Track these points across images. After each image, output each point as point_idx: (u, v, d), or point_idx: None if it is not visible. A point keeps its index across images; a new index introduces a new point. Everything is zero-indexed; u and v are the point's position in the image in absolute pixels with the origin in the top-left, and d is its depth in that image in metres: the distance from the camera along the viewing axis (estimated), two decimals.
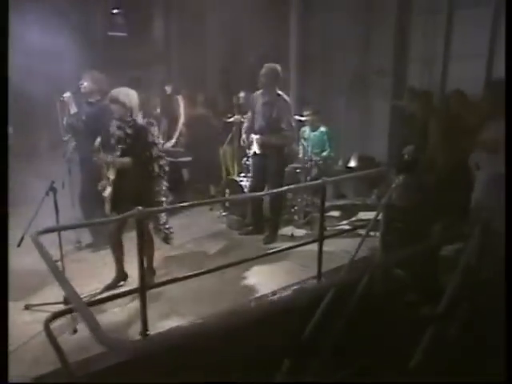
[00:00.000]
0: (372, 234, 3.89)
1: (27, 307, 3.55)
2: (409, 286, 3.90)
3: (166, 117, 5.97)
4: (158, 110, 6.24)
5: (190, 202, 3.73)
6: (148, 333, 2.73)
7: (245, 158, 5.40)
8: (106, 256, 4.22)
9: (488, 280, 3.27)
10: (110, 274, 3.93)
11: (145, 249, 3.64)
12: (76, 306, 1.42)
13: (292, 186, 3.88)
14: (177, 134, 5.97)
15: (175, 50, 7.29)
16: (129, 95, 3.49)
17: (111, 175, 3.50)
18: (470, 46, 5.51)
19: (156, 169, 3.47)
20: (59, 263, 4.06)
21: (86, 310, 1.38)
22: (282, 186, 4.68)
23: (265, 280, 3.96)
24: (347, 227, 5.41)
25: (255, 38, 6.92)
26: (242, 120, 5.60)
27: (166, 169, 3.55)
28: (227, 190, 5.50)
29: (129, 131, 3.44)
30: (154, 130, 3.49)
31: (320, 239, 3.63)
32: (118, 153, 3.44)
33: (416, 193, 3.86)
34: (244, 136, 4.93)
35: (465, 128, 3.68)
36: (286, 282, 3.79)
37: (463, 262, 3.00)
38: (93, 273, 4.10)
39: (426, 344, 2.76)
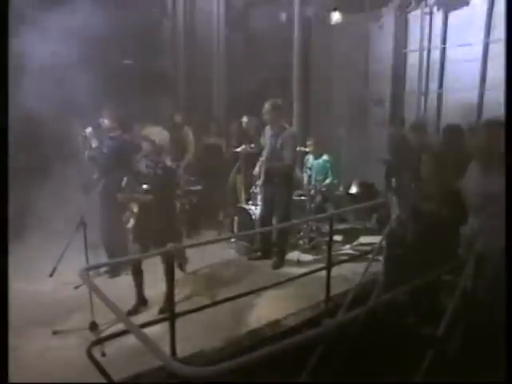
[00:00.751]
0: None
1: (55, 332, 3.76)
2: (409, 308, 4.15)
3: (175, 146, 6.22)
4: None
5: (217, 238, 3.99)
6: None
7: (253, 187, 5.70)
8: (123, 282, 4.48)
9: (483, 301, 3.56)
10: (128, 299, 4.16)
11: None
12: (137, 334, 1.68)
13: (304, 220, 4.11)
14: (184, 163, 6.21)
15: (183, 78, 7.61)
16: (160, 135, 3.79)
17: (134, 208, 3.78)
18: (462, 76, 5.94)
19: (177, 205, 3.75)
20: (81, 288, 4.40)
21: (146, 337, 1.64)
22: (289, 214, 5.04)
23: (276, 305, 4.18)
24: (350, 251, 5.72)
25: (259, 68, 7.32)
26: (250, 149, 5.93)
27: (187, 206, 3.84)
28: (236, 218, 5.77)
29: (158, 172, 3.72)
30: (181, 172, 3.78)
31: (328, 266, 3.90)
32: (143, 188, 3.71)
33: (414, 222, 4.14)
34: (257, 168, 5.22)
35: (459, 163, 3.99)
36: (296, 307, 4.04)
37: (461, 286, 3.29)
38: (112, 298, 4.32)
39: (427, 364, 3.01)
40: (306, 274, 4.04)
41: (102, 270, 4.92)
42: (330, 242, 3.92)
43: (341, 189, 6.85)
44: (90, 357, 2.46)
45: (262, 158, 5.19)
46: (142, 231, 3.80)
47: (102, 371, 2.34)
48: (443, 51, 6.18)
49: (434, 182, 4.08)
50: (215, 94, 7.85)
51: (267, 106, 4.98)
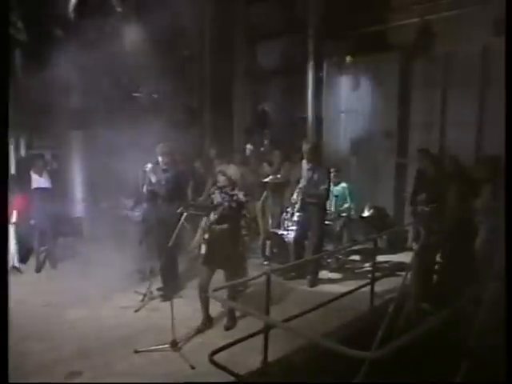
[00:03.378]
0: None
1: (136, 351, 4.13)
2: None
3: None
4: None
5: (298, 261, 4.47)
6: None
7: (284, 214, 6.26)
8: (177, 304, 4.89)
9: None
10: (188, 320, 4.58)
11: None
12: (298, 334, 2.21)
13: (349, 245, 4.60)
14: None
15: (207, 114, 8.25)
16: (234, 171, 4.37)
17: (206, 235, 4.29)
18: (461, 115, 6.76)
19: (245, 233, 4.29)
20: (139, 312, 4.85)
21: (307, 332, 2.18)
22: (322, 237, 5.72)
23: (325, 319, 4.65)
24: (371, 269, 6.35)
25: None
26: (277, 180, 6.55)
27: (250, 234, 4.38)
28: (267, 242, 6.33)
29: (233, 204, 4.25)
30: (250, 206, 4.33)
31: (372, 281, 4.52)
32: (216, 216, 4.25)
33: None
34: (295, 196, 5.78)
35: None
36: (345, 319, 4.59)
37: (486, 303, 3.88)
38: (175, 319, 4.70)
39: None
40: (353, 291, 4.63)
41: (156, 293, 5.33)
42: (374, 262, 4.53)
43: (352, 212, 7.50)
44: (213, 362, 2.95)
45: (299, 188, 5.73)
46: (213, 256, 4.31)
47: (231, 372, 2.83)
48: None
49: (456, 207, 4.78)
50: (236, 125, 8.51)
51: (307, 146, 5.65)
